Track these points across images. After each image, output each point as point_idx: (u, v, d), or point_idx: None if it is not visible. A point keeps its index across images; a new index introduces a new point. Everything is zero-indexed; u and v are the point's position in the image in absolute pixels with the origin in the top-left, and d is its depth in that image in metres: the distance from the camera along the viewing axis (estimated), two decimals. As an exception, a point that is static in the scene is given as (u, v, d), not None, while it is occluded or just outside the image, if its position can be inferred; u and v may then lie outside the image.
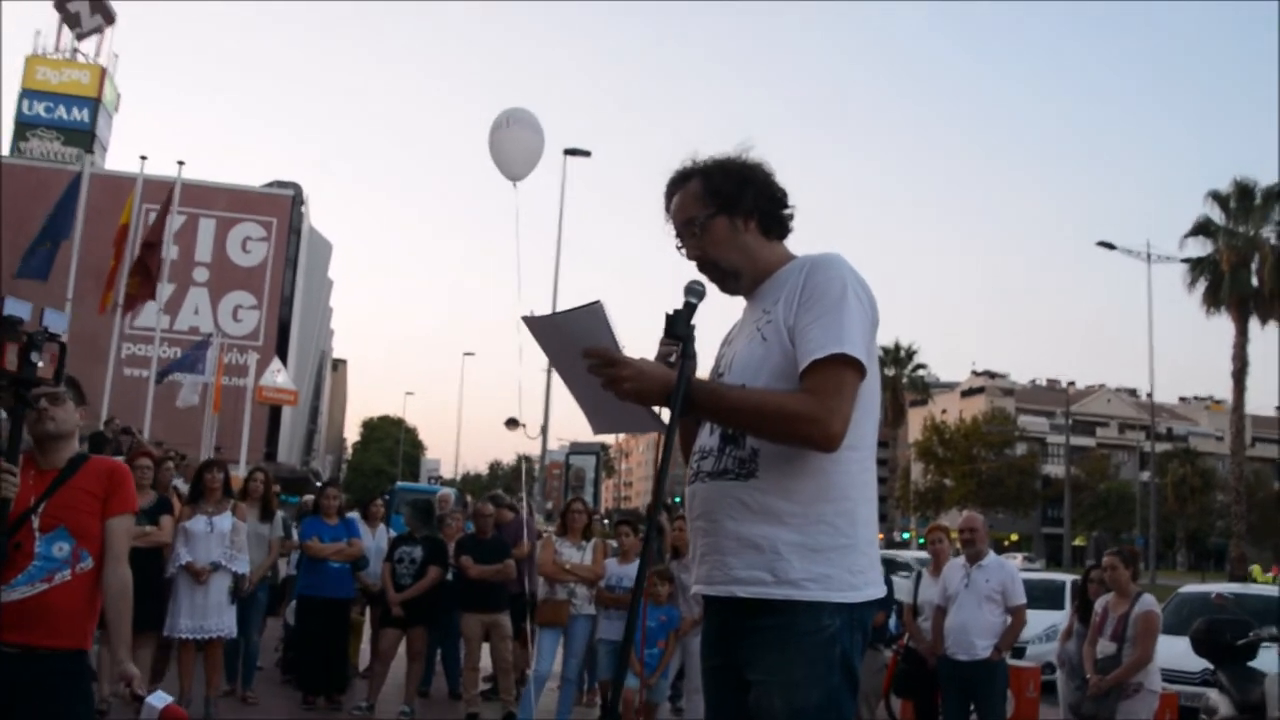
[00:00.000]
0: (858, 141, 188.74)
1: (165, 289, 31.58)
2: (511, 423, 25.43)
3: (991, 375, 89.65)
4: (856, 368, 2.39)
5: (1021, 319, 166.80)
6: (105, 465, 3.70)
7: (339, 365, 72.31)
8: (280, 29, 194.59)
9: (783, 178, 2.71)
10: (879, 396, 2.59)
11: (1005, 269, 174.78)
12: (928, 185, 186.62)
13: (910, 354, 60.15)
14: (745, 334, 2.63)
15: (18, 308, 3.45)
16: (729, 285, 2.68)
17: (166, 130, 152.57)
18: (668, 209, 2.71)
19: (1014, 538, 71.29)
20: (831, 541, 2.41)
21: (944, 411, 79.17)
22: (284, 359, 32.21)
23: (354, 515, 9.78)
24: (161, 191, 20.87)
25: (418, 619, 8.67)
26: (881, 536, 38.24)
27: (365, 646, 10.16)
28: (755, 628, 2.43)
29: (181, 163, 20.03)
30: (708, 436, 2.58)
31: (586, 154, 27.34)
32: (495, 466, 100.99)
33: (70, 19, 39.98)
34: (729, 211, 2.61)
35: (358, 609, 9.87)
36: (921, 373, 61.73)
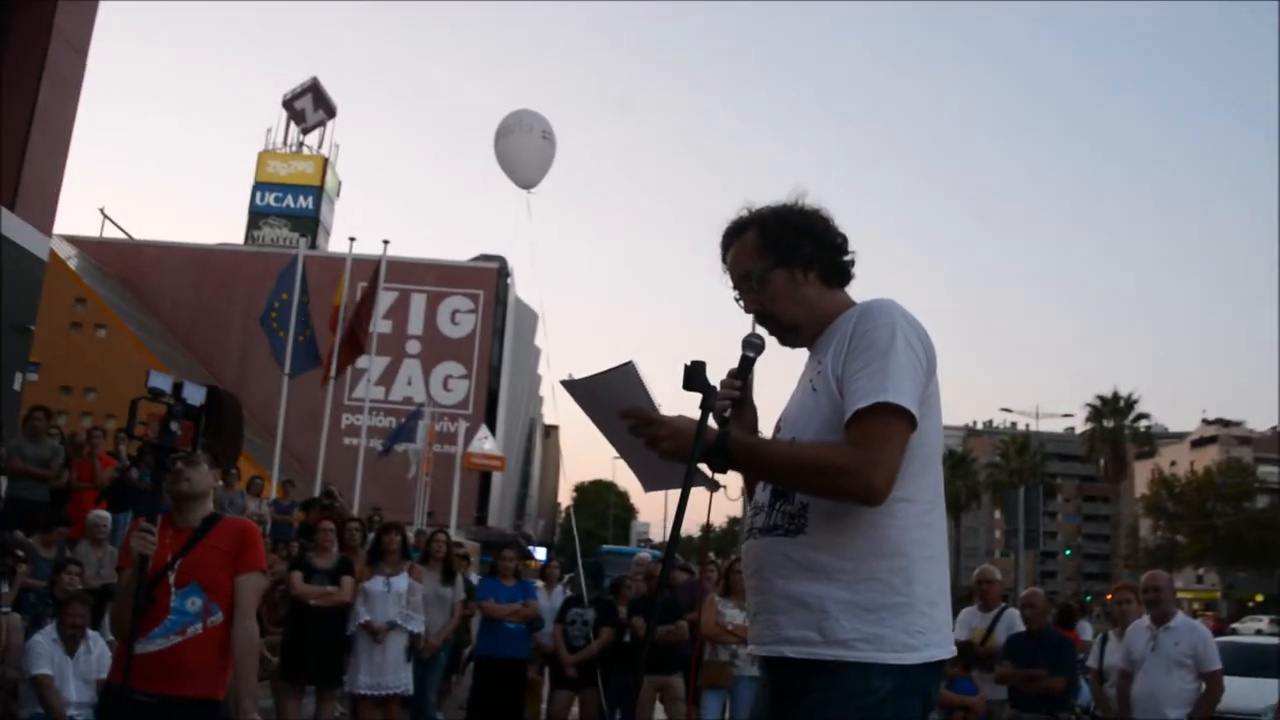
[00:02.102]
0: (1076, 187, 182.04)
1: (380, 361, 33.51)
2: (712, 485, 25.50)
3: (1225, 423, 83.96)
4: (904, 417, 2.29)
5: (1256, 362, 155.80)
6: (237, 525, 3.94)
7: (551, 431, 74.06)
8: (478, 106, 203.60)
9: (847, 224, 2.62)
10: (938, 445, 2.47)
11: (1234, 310, 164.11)
12: (1145, 226, 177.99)
13: (1131, 403, 57.19)
14: (800, 386, 2.57)
15: (160, 381, 3.75)
16: (789, 339, 2.61)
17: (383, 211, 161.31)
18: (724, 260, 2.65)
19: (1259, 598, 66.06)
20: (885, 600, 2.30)
21: (1173, 464, 74.54)
22: (492, 426, 33.33)
23: (531, 579, 9.96)
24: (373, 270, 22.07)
25: (590, 680, 8.74)
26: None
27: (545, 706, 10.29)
28: (805, 689, 2.34)
29: (386, 241, 21.18)
30: (760, 492, 2.52)
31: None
32: (707, 529, 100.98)
33: (296, 115, 43.14)
34: (787, 264, 2.53)
35: (535, 669, 10.03)
36: (1145, 423, 58.50)
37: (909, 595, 2.31)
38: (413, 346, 36.68)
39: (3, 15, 14.74)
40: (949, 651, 2.39)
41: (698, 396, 2.41)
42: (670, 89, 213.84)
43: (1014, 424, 77.86)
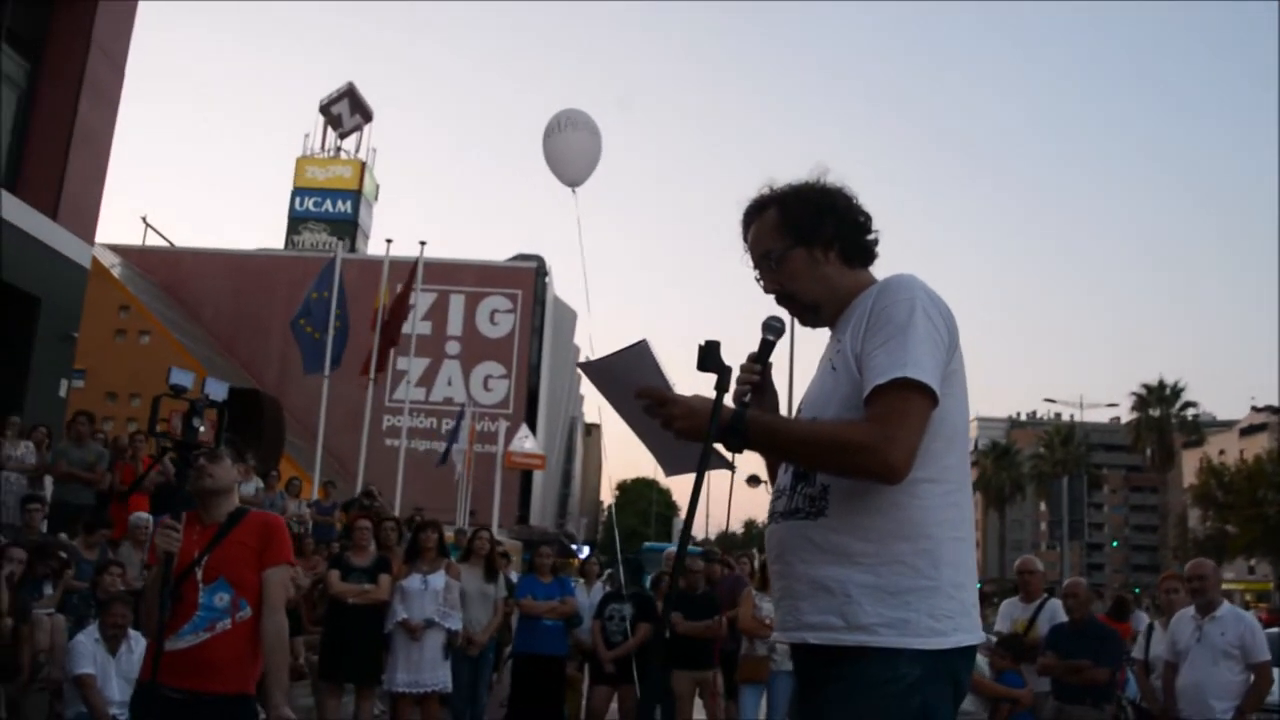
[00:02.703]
0: (1119, 175, 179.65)
1: (420, 363, 33.65)
2: (753, 480, 25.39)
3: (1275, 410, 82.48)
4: (924, 393, 2.22)
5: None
6: (262, 519, 3.94)
7: (592, 430, 74.16)
8: (512, 106, 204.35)
9: (868, 201, 2.56)
10: (964, 423, 2.40)
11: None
12: (1188, 213, 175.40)
13: (1177, 392, 56.45)
14: (820, 367, 2.52)
15: (182, 377, 3.76)
16: (809, 319, 2.56)
17: (421, 214, 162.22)
18: (745, 239, 2.60)
19: (1311, 590, 64.95)
20: (910, 583, 2.22)
21: (1222, 452, 73.29)
22: (532, 426, 33.41)
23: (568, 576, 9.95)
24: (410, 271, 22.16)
25: (629, 676, 8.71)
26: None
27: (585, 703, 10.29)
28: (829, 677, 2.27)
29: (423, 243, 21.26)
30: (783, 474, 2.46)
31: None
32: (750, 525, 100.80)
33: (333, 120, 43.40)
34: (808, 243, 2.48)
35: (575, 666, 10.01)
36: (1192, 411, 57.65)
37: (935, 578, 2.24)
38: (452, 347, 36.78)
39: (42, 29, 14.95)
40: (979, 637, 2.31)
41: (714, 378, 2.36)
42: (705, 81, 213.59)
43: (1058, 415, 77.20)
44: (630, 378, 2.36)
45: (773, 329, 2.48)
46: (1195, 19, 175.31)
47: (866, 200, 2.57)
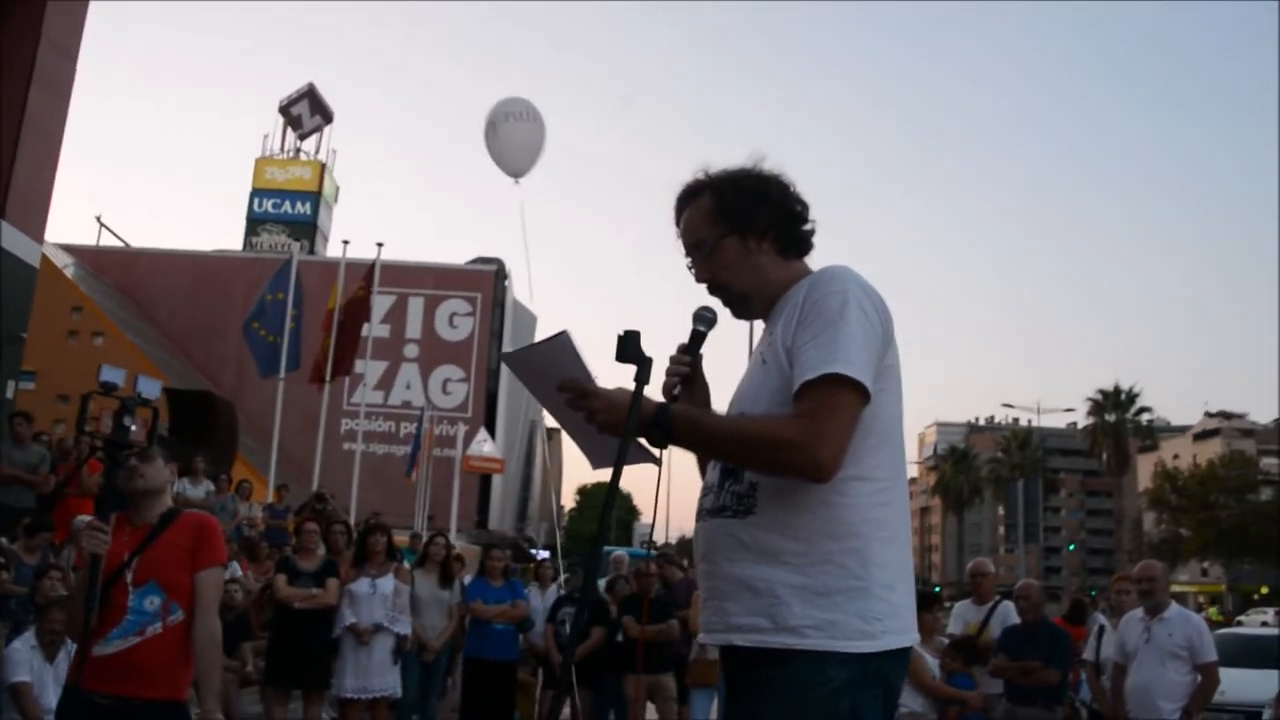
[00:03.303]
0: (1075, 180, 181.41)
1: (378, 366, 33.41)
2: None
3: (1227, 416, 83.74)
4: (854, 389, 2.16)
5: (1257, 354, 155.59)
6: (195, 520, 3.84)
7: (553, 434, 73.97)
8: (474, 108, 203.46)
9: (805, 189, 2.48)
10: (898, 421, 2.34)
11: (1235, 302, 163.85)
12: (1144, 219, 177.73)
13: (1132, 397, 57.20)
14: (753, 359, 2.46)
15: (112, 374, 3.66)
16: (740, 310, 2.49)
17: (383, 216, 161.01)
18: (677, 225, 2.51)
19: (1264, 591, 65.86)
20: (838, 584, 2.16)
21: (1176, 457, 74.49)
22: (491, 430, 33.22)
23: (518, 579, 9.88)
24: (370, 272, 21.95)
25: (582, 681, 8.64)
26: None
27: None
28: (757, 680, 2.21)
29: (380, 244, 21.03)
30: (711, 470, 2.40)
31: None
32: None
33: (293, 121, 43.05)
34: (741, 232, 2.40)
35: (530, 670, 9.94)
36: (1147, 417, 58.44)
37: (864, 579, 2.18)
38: (411, 350, 36.58)
39: (-9, 21, 14.68)
40: (911, 639, 2.26)
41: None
42: (676, 77, 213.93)
43: (1016, 419, 77.90)
44: (552, 370, 2.30)
45: (704, 320, 2.43)
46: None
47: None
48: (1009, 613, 7.65)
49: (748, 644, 2.21)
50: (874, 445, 2.25)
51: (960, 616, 8.11)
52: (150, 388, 3.74)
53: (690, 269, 2.50)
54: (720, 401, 2.52)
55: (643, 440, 2.28)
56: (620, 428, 2.21)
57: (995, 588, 8.26)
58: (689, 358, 2.42)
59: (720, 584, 2.28)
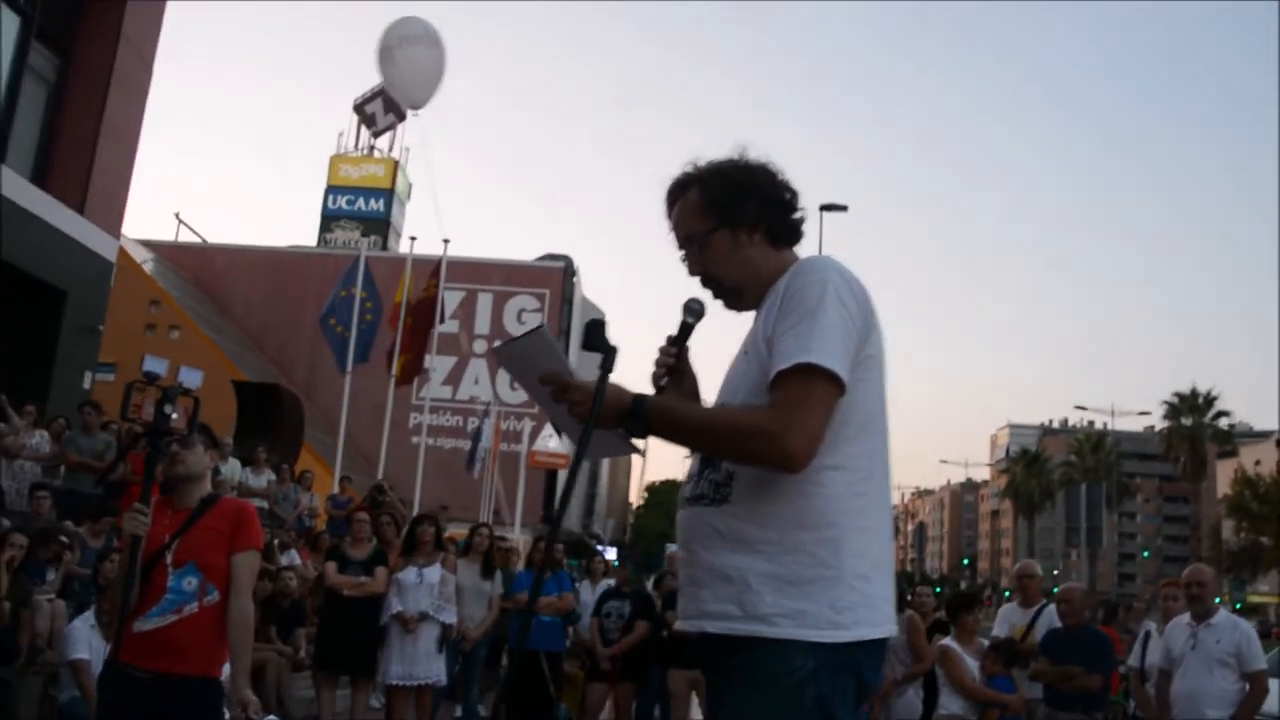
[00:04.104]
0: (1155, 181, 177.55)
1: (446, 361, 33.80)
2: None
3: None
4: (829, 379, 2.17)
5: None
6: (233, 505, 4.01)
7: (621, 431, 74.03)
8: (550, 108, 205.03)
9: (793, 177, 2.48)
10: (879, 411, 2.34)
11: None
12: (1222, 219, 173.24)
13: (1210, 400, 55.95)
14: (739, 350, 2.47)
15: (154, 364, 3.84)
16: (732, 302, 2.50)
17: (455, 212, 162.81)
18: (668, 218, 2.53)
19: (1348, 602, 63.97)
20: (810, 573, 2.17)
21: (1258, 463, 72.35)
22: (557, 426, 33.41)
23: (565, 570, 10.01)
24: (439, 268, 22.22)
25: (626, 674, 8.74)
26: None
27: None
28: (727, 667, 2.24)
29: (447, 241, 21.32)
30: (692, 459, 2.43)
31: (844, 209, 27.08)
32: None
33: (367, 119, 43.63)
34: (731, 224, 2.42)
35: (578, 662, 10.06)
36: (1226, 421, 57.04)
37: (836, 569, 2.19)
38: (479, 346, 36.92)
39: (71, 25, 15.18)
40: (886, 630, 2.26)
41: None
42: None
43: (1090, 422, 76.38)
44: (536, 364, 2.35)
45: (692, 311, 2.45)
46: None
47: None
48: (1055, 616, 7.58)
49: (718, 631, 2.23)
50: (852, 435, 2.26)
51: (1006, 619, 8.06)
52: (191, 377, 3.92)
53: (683, 261, 2.52)
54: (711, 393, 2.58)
55: (622, 431, 2.32)
56: (599, 420, 2.24)
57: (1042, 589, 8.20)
58: (675, 349, 2.47)
59: (697, 571, 2.31)
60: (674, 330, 2.50)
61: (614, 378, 2.31)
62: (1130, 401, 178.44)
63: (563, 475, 37.09)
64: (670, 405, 2.36)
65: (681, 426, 2.31)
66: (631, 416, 2.27)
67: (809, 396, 2.17)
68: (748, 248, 2.44)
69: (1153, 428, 70.31)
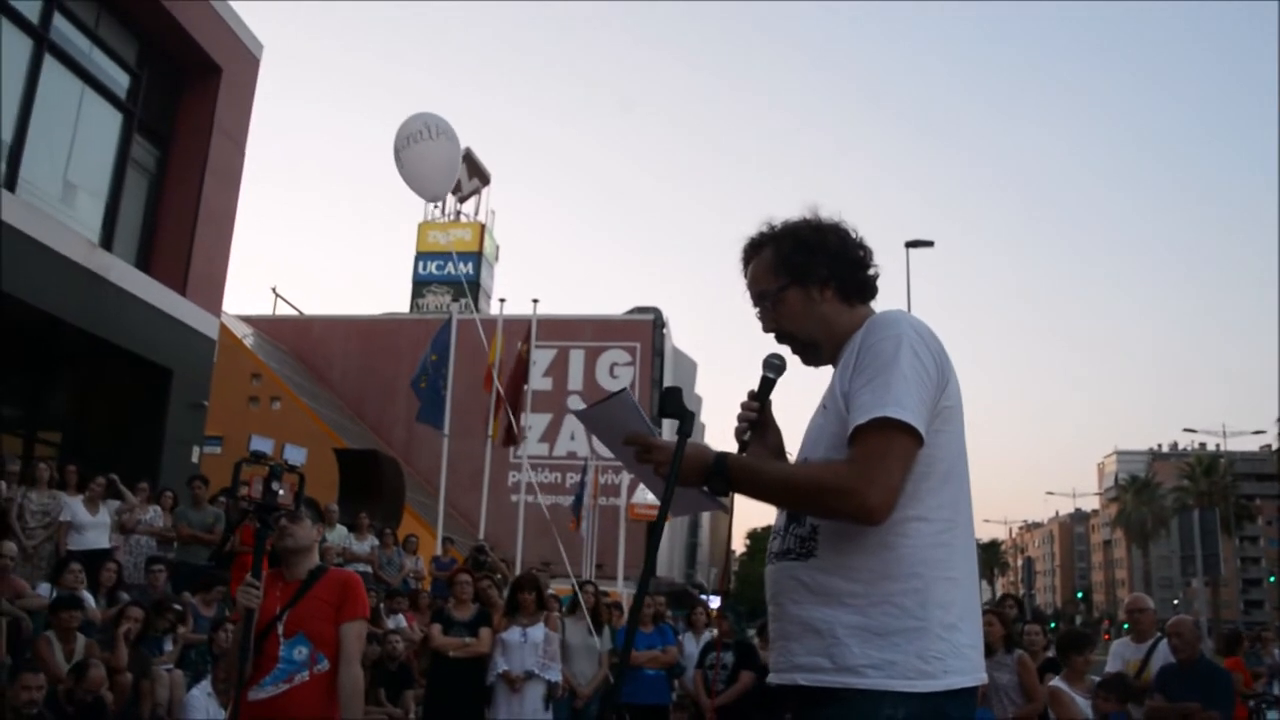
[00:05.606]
0: (1257, 195, 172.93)
1: (542, 419, 34.13)
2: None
3: None
4: (906, 432, 2.21)
5: None
6: (340, 576, 4.16)
7: (719, 480, 73.63)
8: (630, 163, 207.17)
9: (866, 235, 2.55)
10: (960, 460, 2.37)
11: None
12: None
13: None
14: (819, 406, 2.52)
15: (261, 444, 4.02)
16: (809, 357, 2.56)
17: (541, 271, 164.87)
18: (744, 276, 2.61)
19: None
20: (898, 624, 2.20)
21: None
22: (655, 477, 33.42)
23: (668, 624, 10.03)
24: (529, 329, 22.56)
25: (733, 725, 8.70)
26: None
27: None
28: (817, 719, 2.27)
29: (536, 300, 21.66)
30: (778, 515, 2.48)
31: (929, 244, 26.89)
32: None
33: (453, 185, 44.61)
34: (802, 282, 2.49)
35: (685, 716, 10.04)
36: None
37: (923, 619, 2.22)
38: (574, 402, 37.20)
39: (169, 118, 15.92)
40: (975, 679, 2.27)
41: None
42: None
43: (1201, 444, 73.92)
44: (619, 425, 2.41)
45: (773, 366, 2.52)
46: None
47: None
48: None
49: (809, 683, 2.26)
50: (934, 486, 2.29)
51: (1119, 655, 7.87)
52: (296, 455, 4.08)
53: (759, 318, 2.60)
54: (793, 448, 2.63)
55: (706, 489, 2.37)
56: (683, 478, 2.32)
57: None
58: (758, 404, 2.53)
59: (786, 625, 2.35)
60: (756, 385, 2.55)
61: (706, 422, 2.36)
62: (1243, 420, 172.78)
63: (667, 527, 36.97)
64: (751, 463, 2.40)
65: (763, 483, 2.35)
66: (714, 474, 2.32)
67: (888, 451, 2.21)
68: (820, 304, 2.50)
69: (1269, 446, 67.90)
